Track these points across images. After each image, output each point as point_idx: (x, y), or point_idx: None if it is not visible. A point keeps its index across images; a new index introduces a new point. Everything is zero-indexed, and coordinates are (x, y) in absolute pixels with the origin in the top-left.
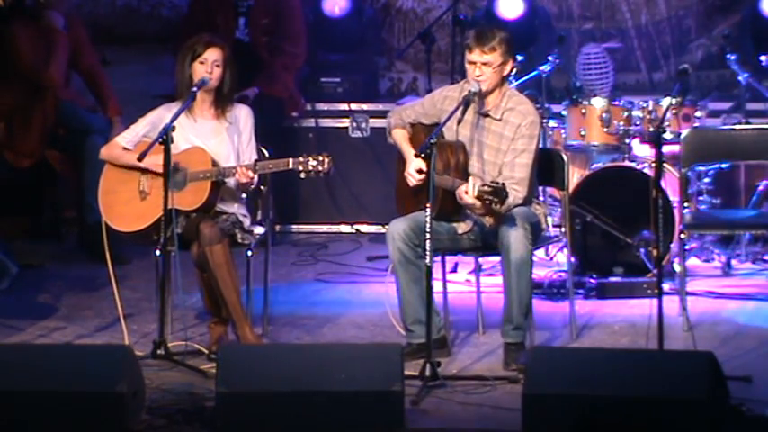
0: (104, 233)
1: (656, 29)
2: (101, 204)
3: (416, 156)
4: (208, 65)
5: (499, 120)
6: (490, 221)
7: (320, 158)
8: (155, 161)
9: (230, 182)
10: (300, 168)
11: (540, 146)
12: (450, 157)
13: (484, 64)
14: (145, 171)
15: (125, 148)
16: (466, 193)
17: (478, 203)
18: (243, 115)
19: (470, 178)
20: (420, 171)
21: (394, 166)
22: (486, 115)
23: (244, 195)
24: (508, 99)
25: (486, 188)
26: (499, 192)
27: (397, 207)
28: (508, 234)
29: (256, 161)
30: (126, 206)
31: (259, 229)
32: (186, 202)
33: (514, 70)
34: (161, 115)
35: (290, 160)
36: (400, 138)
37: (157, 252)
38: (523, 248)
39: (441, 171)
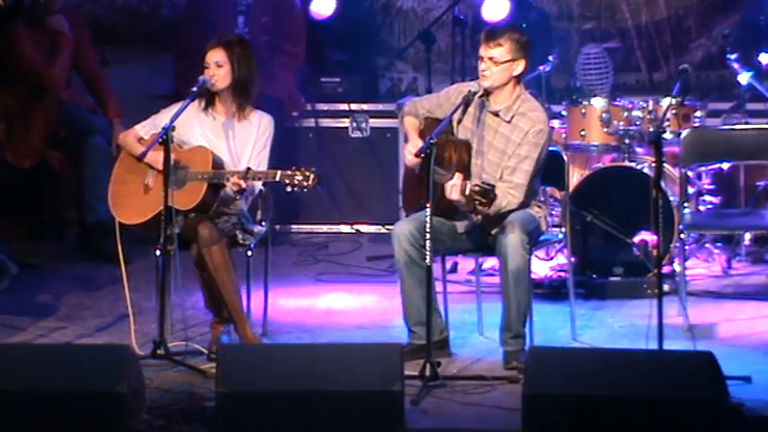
0: (117, 230)
1: (656, 29)
2: (110, 192)
3: (416, 155)
4: (210, 68)
5: (509, 122)
6: (477, 218)
7: (306, 174)
8: (157, 157)
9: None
10: (287, 181)
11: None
12: (452, 155)
13: (490, 59)
14: (149, 166)
15: (141, 138)
16: (454, 187)
17: (464, 200)
18: (264, 123)
19: (456, 175)
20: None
21: (394, 166)
22: (496, 115)
23: (238, 198)
24: (521, 103)
25: (476, 188)
26: (488, 193)
27: (402, 200)
28: (505, 243)
29: (248, 169)
30: (130, 198)
31: (259, 230)
32: (183, 201)
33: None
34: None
35: (278, 173)
36: (409, 125)
37: (157, 252)
38: (520, 257)
39: (442, 167)
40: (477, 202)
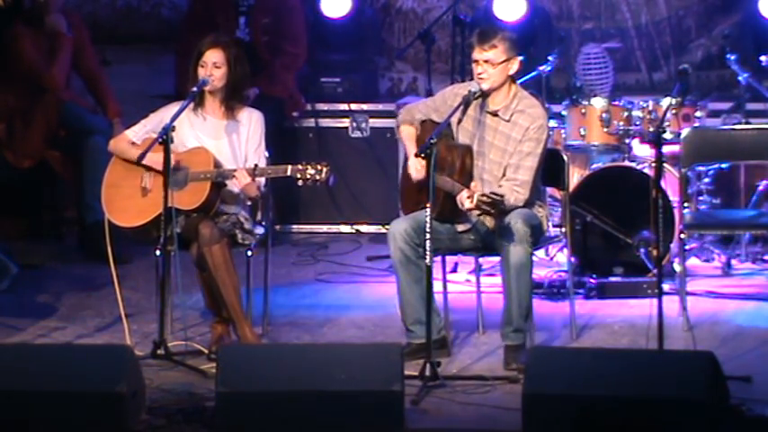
0: (107, 231)
1: (656, 29)
2: (103, 197)
3: (416, 156)
4: (207, 67)
5: (508, 120)
6: (490, 223)
7: (318, 167)
8: (156, 159)
9: (232, 185)
10: (298, 176)
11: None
12: (455, 160)
13: (485, 61)
14: (148, 167)
15: (133, 143)
16: (468, 199)
17: (476, 211)
18: (254, 120)
19: (473, 185)
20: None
21: (394, 166)
22: (495, 114)
23: (249, 203)
24: (519, 101)
25: (484, 198)
26: (497, 204)
27: (401, 203)
28: (508, 236)
29: (256, 166)
30: (127, 201)
31: (259, 230)
32: (185, 201)
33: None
34: (171, 112)
35: (289, 167)
36: (406, 135)
37: (157, 252)
38: (522, 251)
39: (444, 173)
40: (485, 213)
